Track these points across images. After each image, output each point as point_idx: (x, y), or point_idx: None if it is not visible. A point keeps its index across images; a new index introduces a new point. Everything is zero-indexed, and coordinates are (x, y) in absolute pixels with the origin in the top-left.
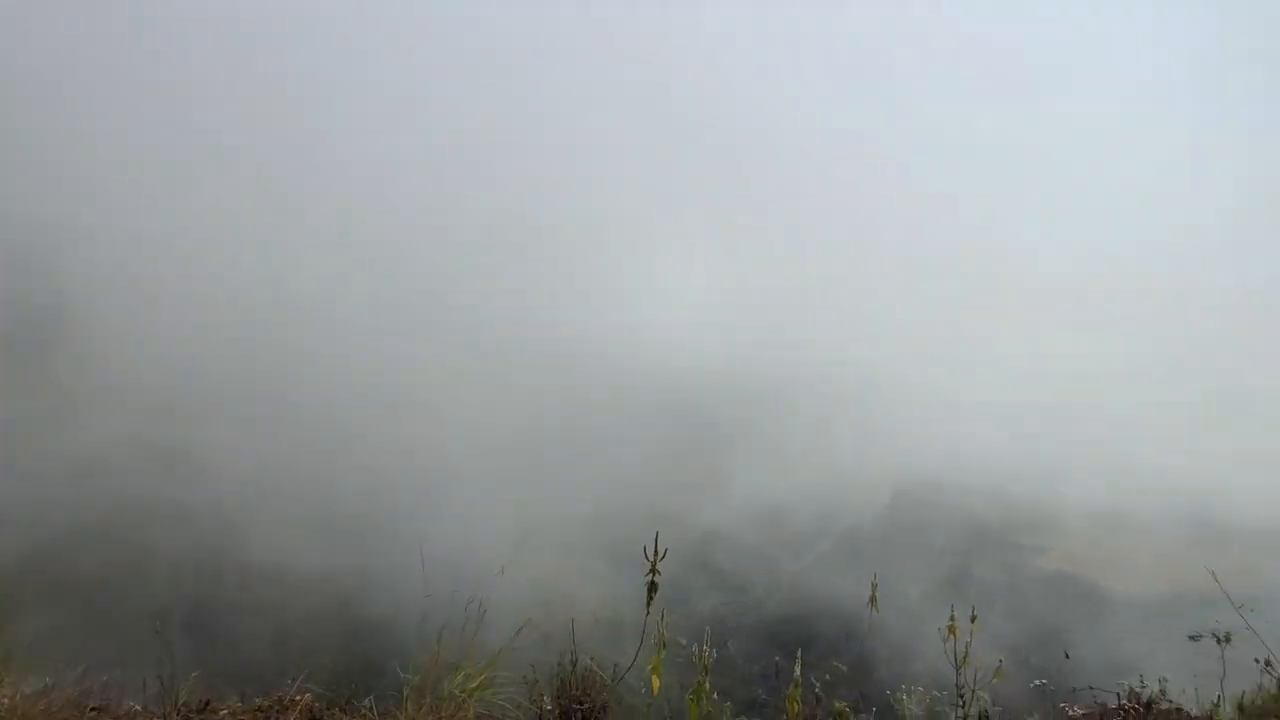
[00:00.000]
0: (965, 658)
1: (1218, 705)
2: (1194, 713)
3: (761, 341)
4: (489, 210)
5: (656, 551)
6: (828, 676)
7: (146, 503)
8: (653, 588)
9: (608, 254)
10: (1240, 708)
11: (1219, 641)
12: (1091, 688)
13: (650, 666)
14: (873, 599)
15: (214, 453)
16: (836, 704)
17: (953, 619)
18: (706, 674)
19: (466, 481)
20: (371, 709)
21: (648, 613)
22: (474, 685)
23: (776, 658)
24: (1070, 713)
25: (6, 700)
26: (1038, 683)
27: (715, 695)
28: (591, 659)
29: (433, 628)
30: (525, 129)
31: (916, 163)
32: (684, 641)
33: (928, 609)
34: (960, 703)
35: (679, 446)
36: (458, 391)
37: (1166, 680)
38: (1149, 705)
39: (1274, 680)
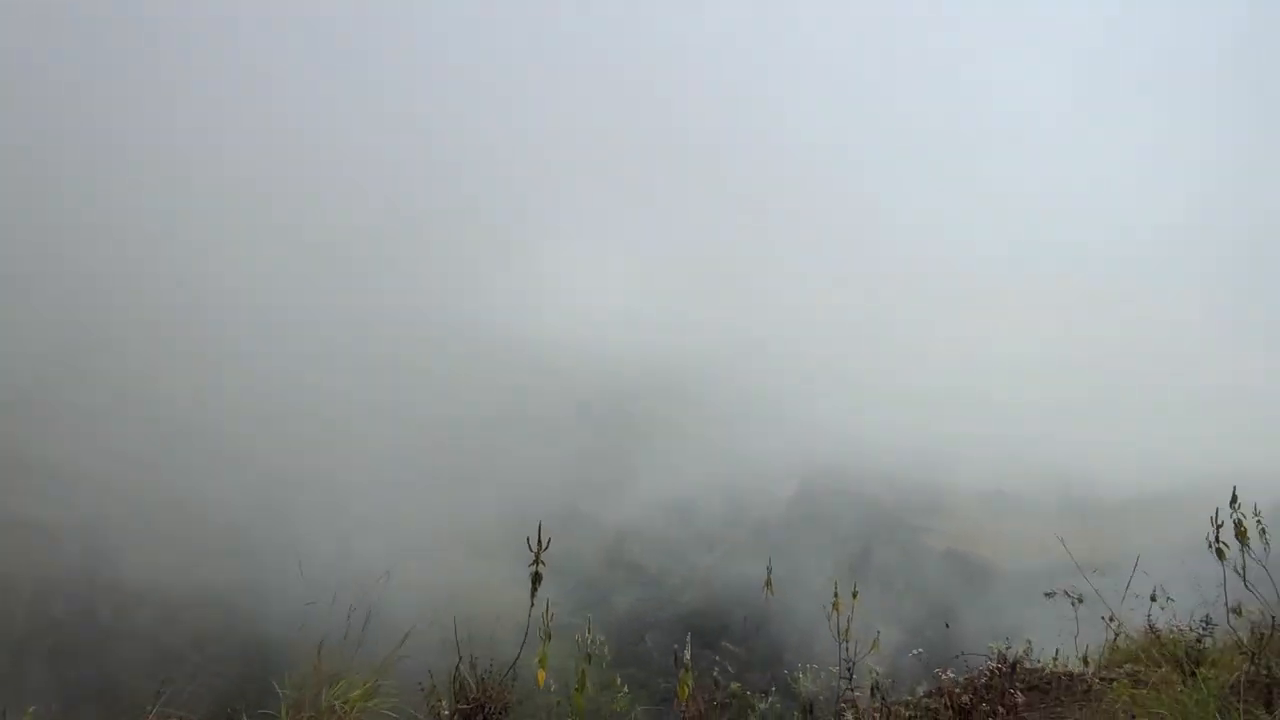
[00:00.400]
0: (847, 631)
1: (1055, 657)
2: (1050, 668)
3: (671, 337)
4: (390, 204)
5: (540, 542)
6: (721, 660)
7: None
8: (537, 579)
9: (516, 251)
10: (1084, 660)
11: (1073, 603)
12: (964, 653)
13: (537, 659)
14: (768, 583)
15: (73, 463)
16: (733, 685)
17: (836, 596)
18: (589, 661)
19: (360, 486)
20: None
21: (532, 604)
22: (355, 695)
23: (675, 646)
24: (944, 677)
25: None
26: (915, 652)
27: (626, 688)
28: (493, 660)
29: (313, 638)
30: (433, 124)
31: (831, 160)
32: (601, 638)
33: (831, 593)
34: (848, 675)
35: (591, 443)
36: (354, 392)
37: (1030, 641)
38: (1014, 665)
39: (1113, 635)
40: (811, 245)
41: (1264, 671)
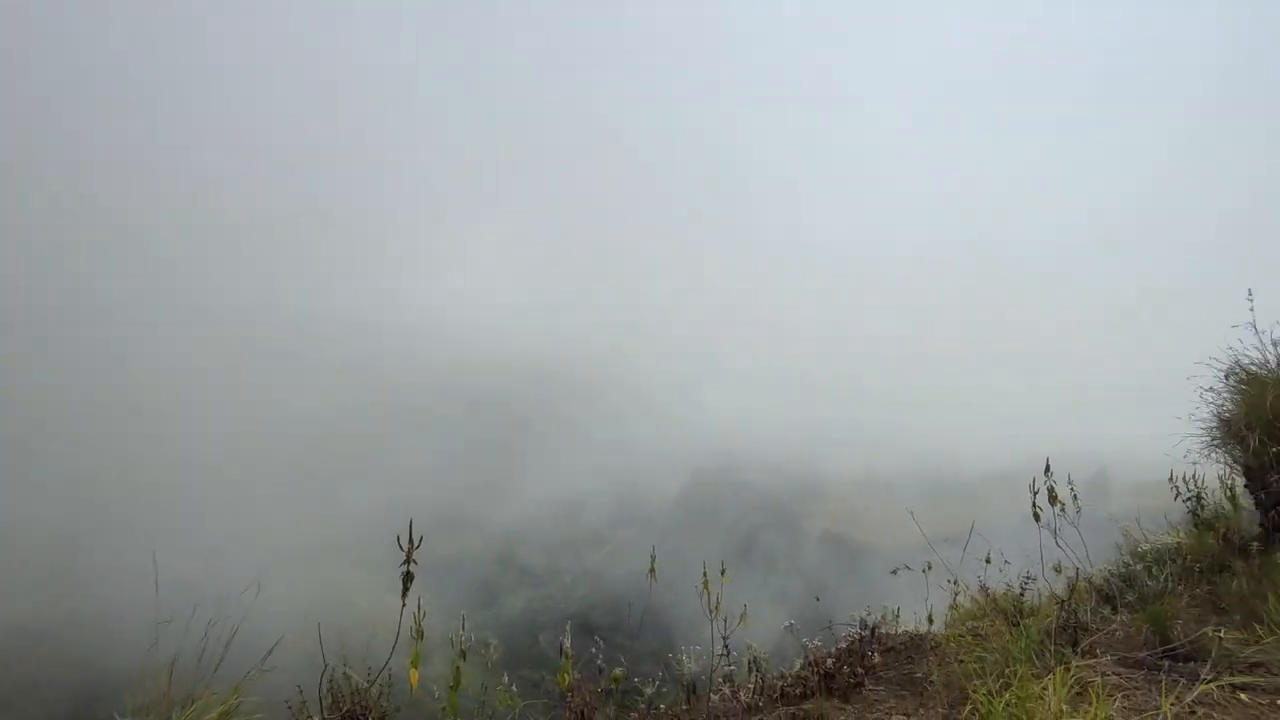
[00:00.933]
0: (717, 608)
1: (894, 618)
2: (902, 630)
3: (557, 333)
4: (264, 195)
5: (411, 540)
6: (606, 650)
7: None
8: (408, 578)
9: (396, 246)
10: (929, 620)
11: (923, 571)
12: (831, 624)
13: (409, 660)
14: (651, 571)
15: None
16: (615, 672)
17: (704, 576)
18: (464, 657)
19: (228, 494)
20: None
21: (404, 604)
22: (211, 717)
23: (559, 637)
24: (811, 646)
25: None
26: (788, 624)
27: (514, 687)
28: (370, 669)
29: (165, 659)
30: (317, 120)
31: (726, 159)
32: (494, 642)
33: (716, 579)
34: (724, 650)
35: (478, 442)
36: (219, 394)
37: (889, 608)
38: (873, 630)
39: (953, 597)
40: (700, 241)
41: (1071, 617)
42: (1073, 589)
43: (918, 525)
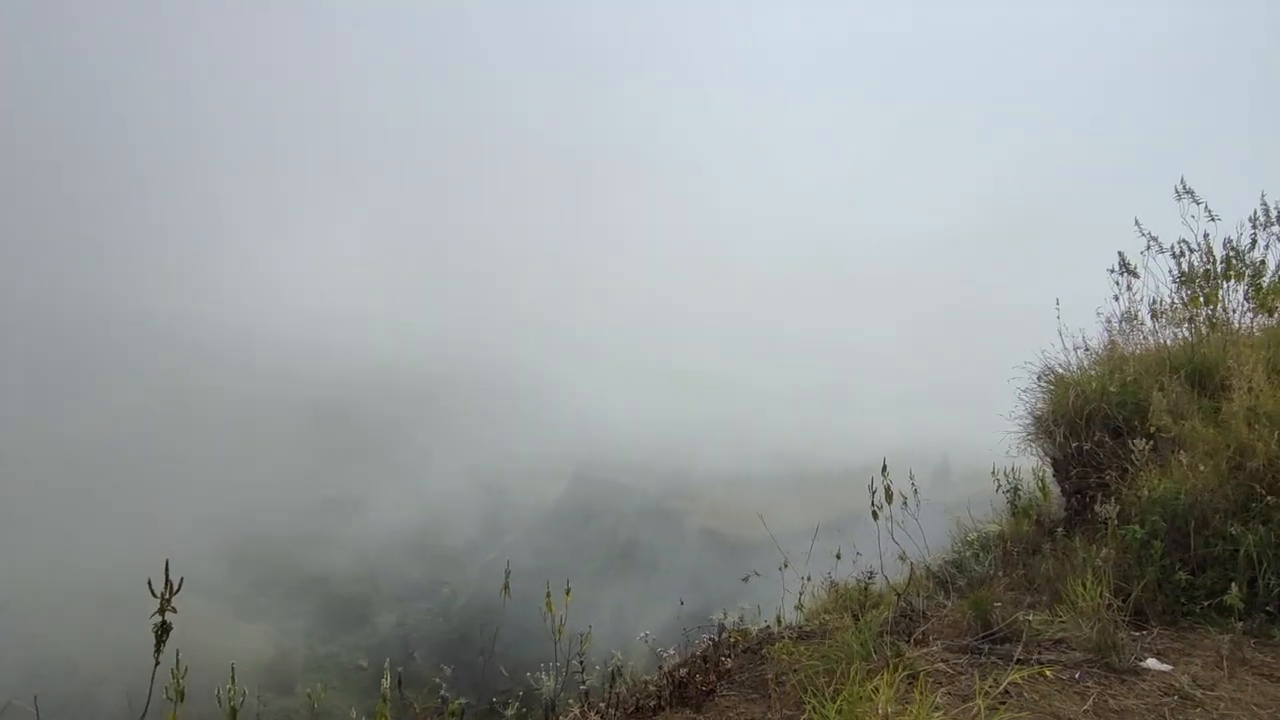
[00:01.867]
0: (562, 628)
1: (758, 615)
2: (756, 631)
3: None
4: (93, 183)
5: (168, 584)
6: (452, 676)
7: None
8: (162, 631)
9: (239, 244)
10: (779, 619)
11: (779, 568)
12: (686, 629)
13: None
14: (505, 588)
15: None
16: (453, 704)
17: (548, 595)
18: (316, 699)
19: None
20: None
21: (156, 662)
22: None
23: (399, 669)
24: (664, 655)
25: None
26: (642, 635)
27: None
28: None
29: None
30: (162, 102)
31: (604, 161)
32: (364, 664)
33: (601, 584)
34: (579, 667)
35: (336, 451)
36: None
37: (744, 608)
38: (726, 633)
39: (798, 593)
40: (566, 238)
41: (908, 606)
42: (910, 579)
43: (765, 526)
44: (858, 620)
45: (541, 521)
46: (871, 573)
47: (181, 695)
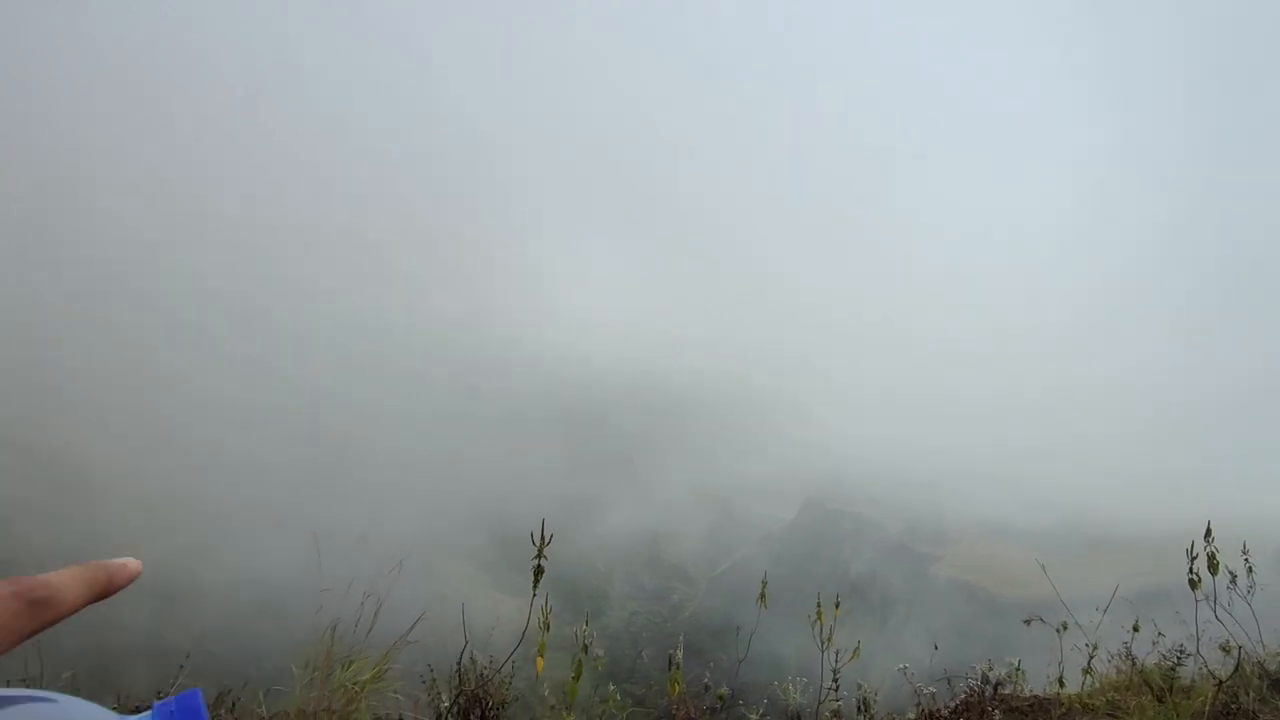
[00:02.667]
0: (830, 639)
1: (1019, 673)
2: (1029, 691)
3: (679, 349)
4: (393, 209)
5: (544, 537)
6: (713, 669)
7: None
8: (539, 572)
9: (514, 260)
10: (1060, 683)
11: (1057, 630)
12: (948, 672)
13: (536, 649)
14: (762, 596)
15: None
16: (719, 690)
17: (819, 606)
18: (586, 651)
19: (368, 477)
20: (261, 704)
21: (534, 595)
22: (366, 678)
23: (670, 652)
24: (923, 692)
25: None
26: (901, 667)
27: (619, 696)
28: (491, 658)
29: (327, 621)
30: (440, 132)
31: (839, 178)
32: (601, 653)
33: (829, 610)
34: (834, 684)
35: (590, 453)
36: (349, 393)
37: (1015, 664)
38: (995, 686)
39: (1087, 660)
40: (817, 261)
41: (1232, 700)
42: (1236, 670)
43: (1049, 580)
44: (1161, 702)
45: (770, 544)
46: (1182, 653)
47: (548, 626)
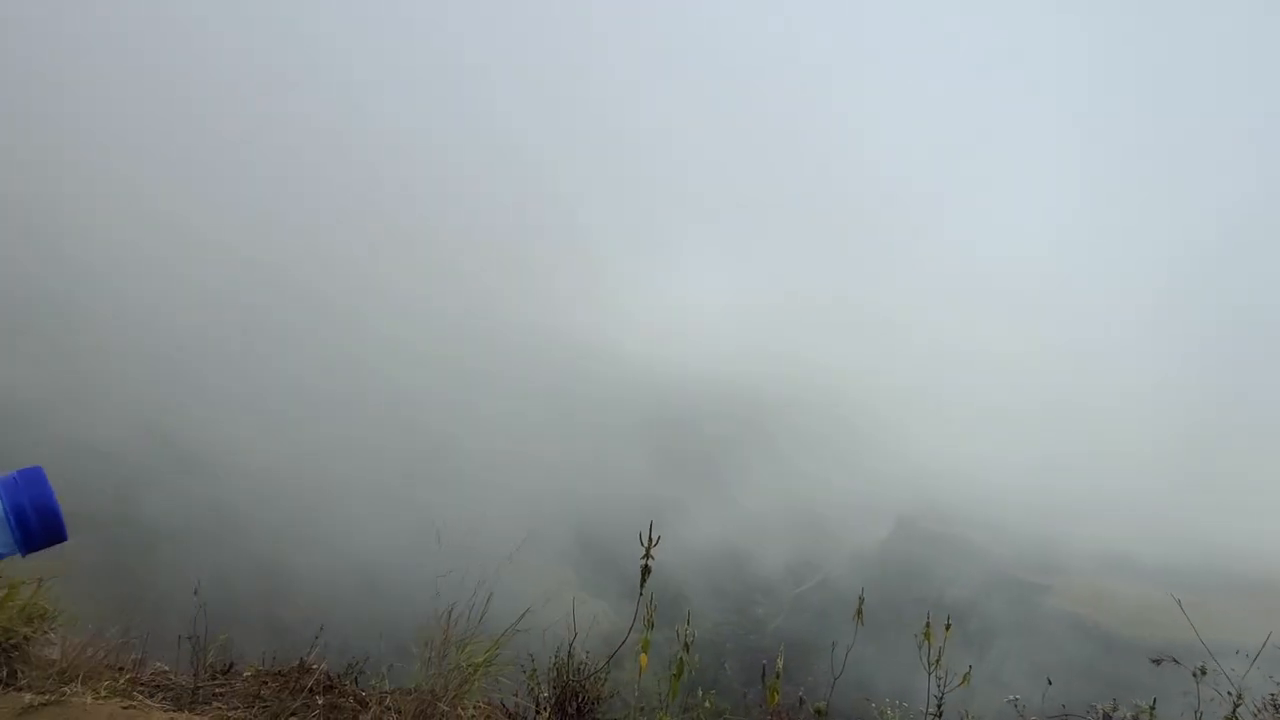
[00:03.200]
0: (938, 661)
1: (1151, 714)
2: None
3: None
4: (484, 214)
5: (651, 538)
6: (810, 682)
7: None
8: (646, 571)
9: (608, 265)
10: None
11: (1194, 674)
12: (1065, 708)
13: (640, 646)
14: (859, 612)
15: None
16: (817, 705)
17: (928, 625)
18: (688, 649)
19: (478, 472)
20: (384, 677)
21: (640, 594)
22: (480, 661)
23: (764, 660)
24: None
25: (57, 649)
26: (1011, 699)
27: (709, 704)
28: (588, 652)
29: (444, 606)
30: (532, 137)
31: (931, 191)
32: (697, 656)
33: (923, 631)
34: (937, 710)
35: (674, 458)
36: (459, 393)
37: (1141, 705)
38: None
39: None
40: (905, 266)
41: None
42: None
43: (1187, 618)
44: None
45: (860, 562)
46: None
47: (652, 624)
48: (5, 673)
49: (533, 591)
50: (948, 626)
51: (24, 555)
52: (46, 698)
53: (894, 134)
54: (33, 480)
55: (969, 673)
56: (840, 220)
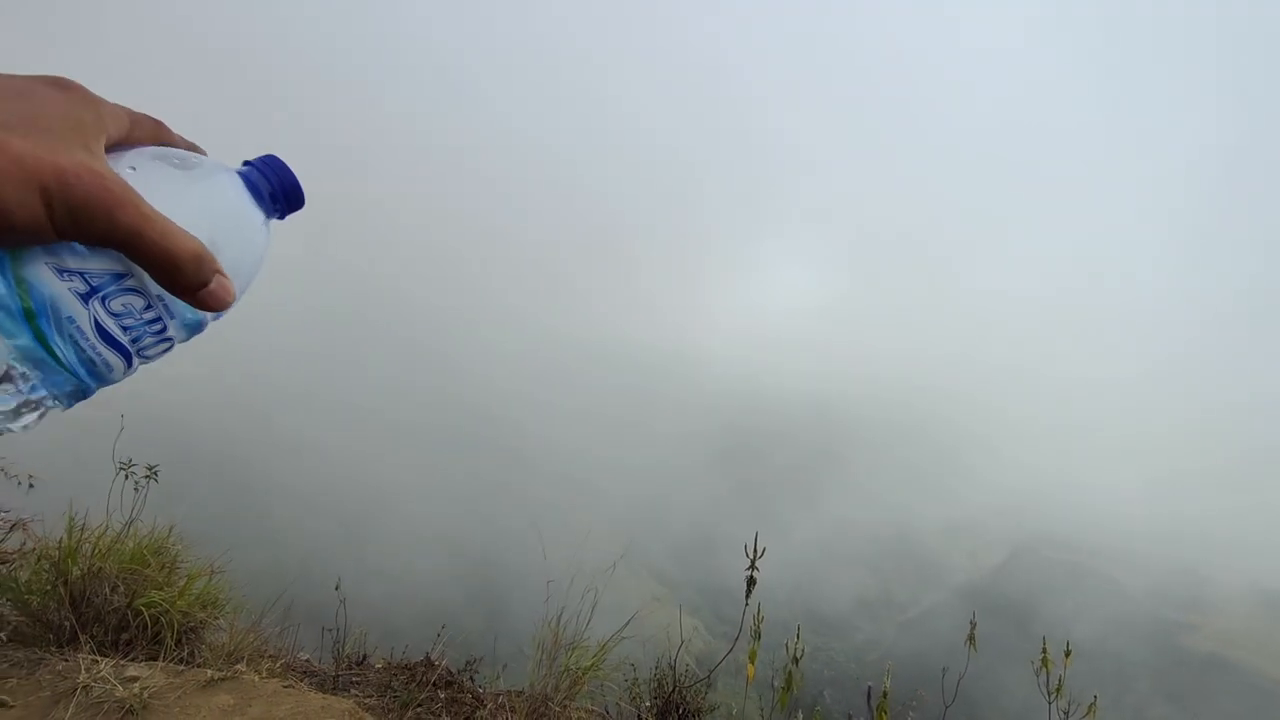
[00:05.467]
0: (1060, 689)
1: None
2: None
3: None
4: (554, 222)
5: (756, 549)
6: (911, 714)
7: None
8: (751, 582)
9: (700, 269)
10: None
11: None
12: None
13: (748, 655)
14: (970, 638)
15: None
16: None
17: (1044, 651)
18: (797, 663)
19: (574, 474)
20: (499, 675)
21: (746, 605)
22: (587, 665)
23: (869, 684)
24: None
25: (225, 634)
26: None
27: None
28: (688, 664)
29: (553, 610)
30: (600, 143)
31: (1041, 201)
32: (779, 685)
33: (1040, 664)
34: None
35: (769, 474)
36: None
37: None
38: None
39: None
40: (1035, 291)
41: None
42: None
43: None
44: None
45: (970, 591)
46: None
47: (759, 634)
48: (186, 651)
49: (626, 602)
50: (1067, 653)
51: (282, 219)
52: (224, 673)
53: (1006, 141)
54: (270, 163)
55: (1094, 702)
56: (945, 231)
